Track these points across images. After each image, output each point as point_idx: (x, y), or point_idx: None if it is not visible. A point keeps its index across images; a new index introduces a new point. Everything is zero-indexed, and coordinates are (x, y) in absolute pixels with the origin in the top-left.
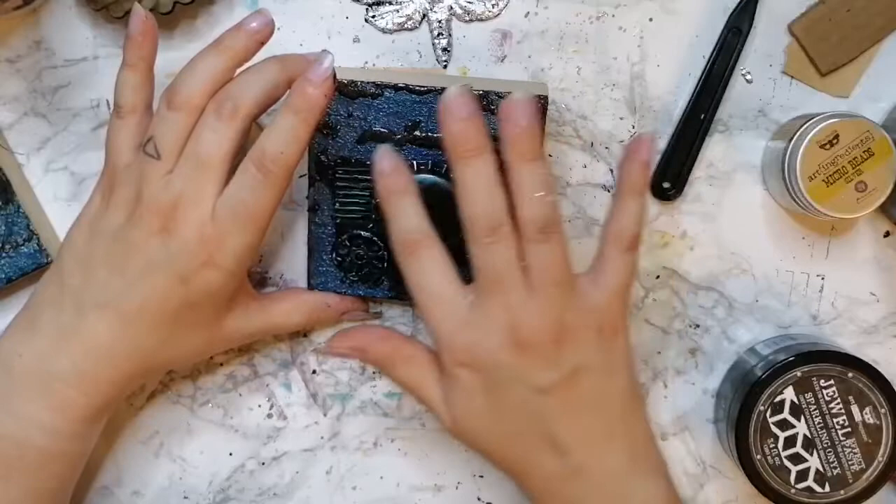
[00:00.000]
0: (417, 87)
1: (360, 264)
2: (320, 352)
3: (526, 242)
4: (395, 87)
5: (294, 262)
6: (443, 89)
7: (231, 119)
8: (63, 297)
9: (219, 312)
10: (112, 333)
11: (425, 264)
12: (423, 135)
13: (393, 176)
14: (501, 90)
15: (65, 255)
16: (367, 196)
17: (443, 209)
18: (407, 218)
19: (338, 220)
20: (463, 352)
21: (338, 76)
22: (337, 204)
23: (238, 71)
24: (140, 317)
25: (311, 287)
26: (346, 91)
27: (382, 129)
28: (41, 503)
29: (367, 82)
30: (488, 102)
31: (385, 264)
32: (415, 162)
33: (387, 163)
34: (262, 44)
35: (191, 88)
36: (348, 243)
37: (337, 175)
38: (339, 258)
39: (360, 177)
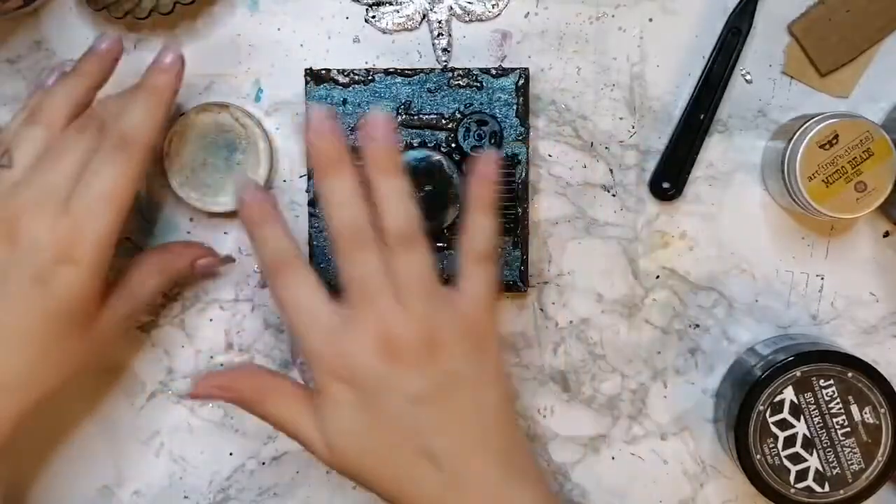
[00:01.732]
0: (405, 70)
1: None
2: (186, 397)
3: (390, 252)
4: (385, 72)
5: None
6: (430, 70)
7: (102, 138)
8: None
9: (88, 316)
10: None
11: (294, 281)
12: (414, 116)
13: (254, 206)
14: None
15: None
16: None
17: (436, 182)
18: (274, 241)
19: None
20: (336, 363)
21: (331, 72)
22: None
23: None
24: (3, 338)
25: None
26: (340, 81)
27: None
28: None
29: (359, 70)
30: (473, 78)
31: None
32: (407, 139)
33: (248, 194)
34: (116, 61)
35: (52, 107)
36: None
37: None
38: None
39: (357, 163)
